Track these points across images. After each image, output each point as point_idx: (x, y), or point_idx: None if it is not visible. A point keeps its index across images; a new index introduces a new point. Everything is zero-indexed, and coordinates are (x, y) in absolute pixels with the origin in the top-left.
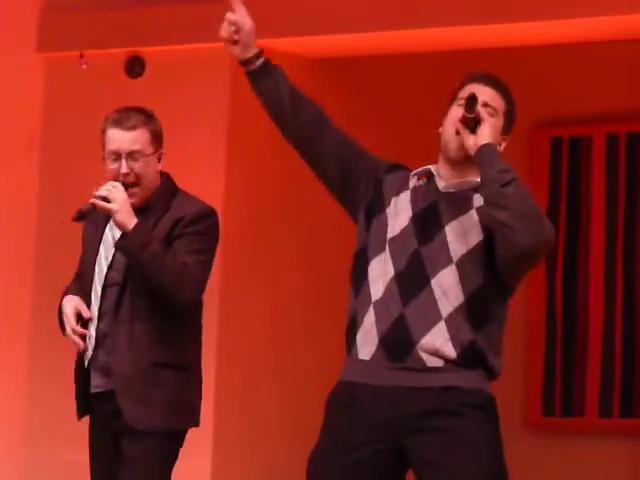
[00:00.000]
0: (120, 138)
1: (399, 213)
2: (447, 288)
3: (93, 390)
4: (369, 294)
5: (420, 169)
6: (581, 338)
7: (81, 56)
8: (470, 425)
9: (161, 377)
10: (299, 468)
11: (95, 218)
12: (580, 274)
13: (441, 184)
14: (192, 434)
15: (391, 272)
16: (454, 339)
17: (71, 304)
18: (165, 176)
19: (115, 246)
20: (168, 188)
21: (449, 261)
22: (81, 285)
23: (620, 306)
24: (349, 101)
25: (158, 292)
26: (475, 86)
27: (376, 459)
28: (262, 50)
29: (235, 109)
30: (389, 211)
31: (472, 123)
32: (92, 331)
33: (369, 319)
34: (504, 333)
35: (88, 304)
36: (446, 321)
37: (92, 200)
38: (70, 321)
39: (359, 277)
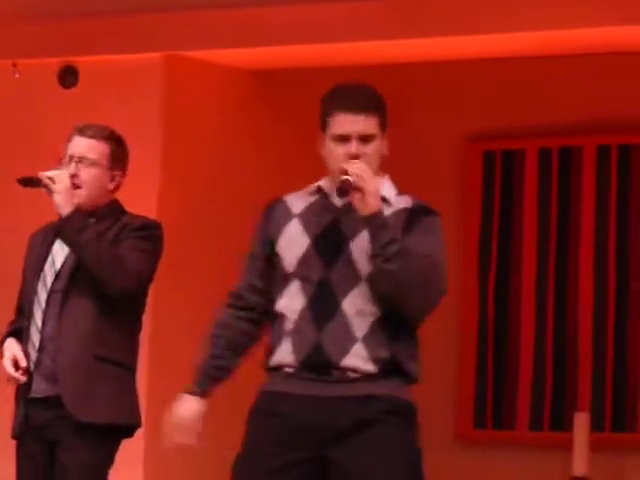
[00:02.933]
0: (77, 143)
1: (293, 244)
2: (360, 307)
3: (33, 395)
4: (283, 325)
5: (311, 187)
6: (513, 351)
7: (14, 65)
8: (388, 432)
9: (104, 372)
10: None
11: (41, 239)
12: (512, 287)
13: (337, 200)
14: (124, 444)
15: (302, 302)
16: (373, 357)
17: (8, 352)
18: (115, 200)
19: (55, 231)
20: (118, 206)
21: (358, 280)
22: (21, 320)
23: (552, 319)
24: (282, 112)
25: (95, 276)
26: (344, 117)
27: (298, 466)
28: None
29: (168, 119)
30: (281, 246)
31: (341, 188)
32: (35, 336)
33: (287, 349)
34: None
35: (32, 312)
36: (363, 341)
37: (40, 174)
38: (9, 370)
39: (273, 314)
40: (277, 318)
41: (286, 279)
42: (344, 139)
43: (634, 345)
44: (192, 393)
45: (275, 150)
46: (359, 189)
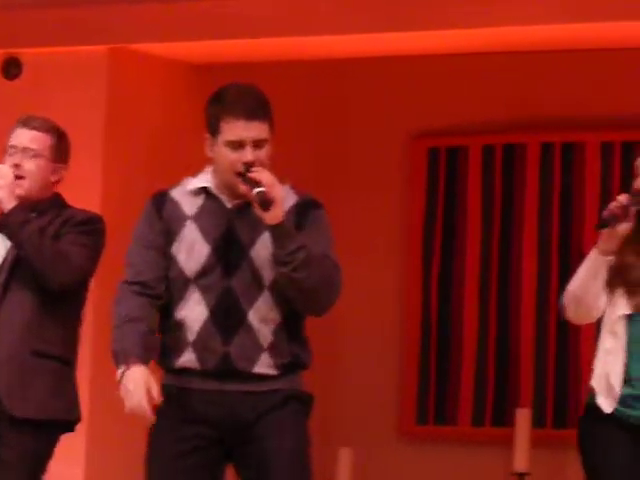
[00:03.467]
0: (21, 134)
1: (191, 250)
2: (265, 315)
3: None
4: (184, 334)
5: (190, 185)
6: (455, 347)
7: None
8: (286, 413)
9: (42, 367)
10: None
11: None
12: (455, 284)
13: (228, 202)
14: (65, 439)
15: (204, 313)
16: (277, 363)
17: None
18: (57, 193)
19: None
20: (60, 200)
21: (261, 288)
22: None
23: (494, 317)
24: None
25: (36, 271)
26: (237, 123)
27: (200, 452)
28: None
29: (112, 112)
30: (178, 249)
31: (262, 202)
32: None
33: (191, 358)
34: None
35: None
36: (268, 350)
37: None
38: None
39: (169, 318)
40: (176, 325)
41: (185, 285)
42: (238, 145)
43: (575, 341)
44: (137, 363)
45: None
46: (272, 200)
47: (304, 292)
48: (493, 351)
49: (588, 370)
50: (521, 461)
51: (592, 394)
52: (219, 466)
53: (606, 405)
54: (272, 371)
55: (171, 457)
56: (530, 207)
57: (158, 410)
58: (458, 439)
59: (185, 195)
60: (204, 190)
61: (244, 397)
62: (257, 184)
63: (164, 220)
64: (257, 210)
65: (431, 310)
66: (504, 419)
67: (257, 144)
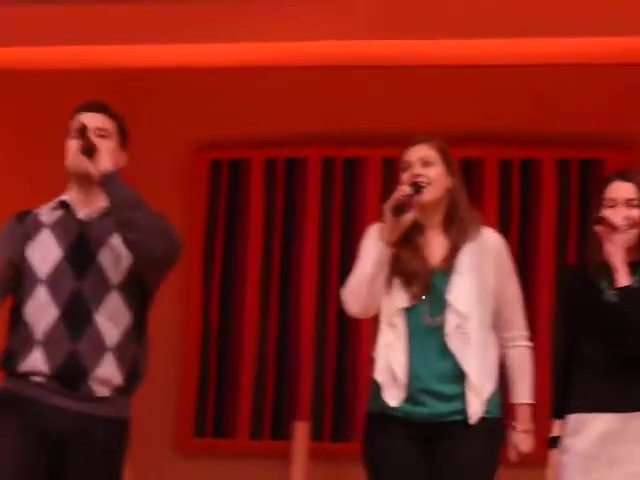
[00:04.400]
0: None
1: (45, 253)
2: (113, 315)
3: None
4: (30, 333)
5: (52, 203)
6: (235, 360)
7: None
8: (106, 444)
9: None
10: None
11: None
12: (236, 296)
13: (81, 213)
14: None
15: (54, 312)
16: (121, 367)
17: None
18: None
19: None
20: None
21: (109, 289)
22: None
23: (274, 329)
24: (31, 113)
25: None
26: (84, 115)
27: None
28: None
29: None
30: (30, 254)
31: (88, 151)
32: None
33: (38, 357)
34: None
35: None
36: (114, 351)
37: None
38: None
39: (17, 319)
40: (22, 324)
41: (34, 285)
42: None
43: (353, 357)
44: None
45: (24, 151)
46: (94, 148)
47: (143, 232)
48: (272, 363)
49: (367, 384)
50: (298, 474)
51: (374, 397)
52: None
53: (392, 397)
54: (116, 376)
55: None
56: (311, 221)
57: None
58: (236, 452)
59: (47, 209)
60: (63, 203)
61: (81, 418)
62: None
63: (24, 225)
64: (88, 165)
65: (211, 320)
66: (283, 432)
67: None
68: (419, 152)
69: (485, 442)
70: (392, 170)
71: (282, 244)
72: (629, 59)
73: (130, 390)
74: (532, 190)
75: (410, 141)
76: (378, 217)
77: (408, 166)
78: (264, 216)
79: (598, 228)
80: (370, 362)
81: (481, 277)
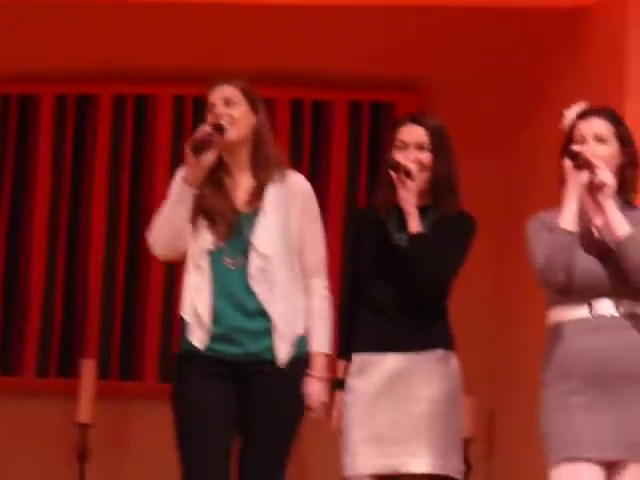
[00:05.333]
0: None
1: None
2: None
3: None
4: None
5: None
6: (21, 295)
7: None
8: None
9: None
10: None
11: None
12: (24, 231)
13: None
14: None
15: None
16: None
17: None
18: None
19: None
20: None
21: None
22: None
23: (62, 264)
24: None
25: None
26: None
27: None
28: None
29: None
30: None
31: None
32: None
33: None
34: None
35: None
36: None
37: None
38: None
39: None
40: None
41: None
42: None
43: (142, 295)
44: None
45: None
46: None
47: None
48: (60, 301)
49: (155, 324)
50: (85, 412)
51: (183, 338)
52: None
53: (197, 339)
54: None
55: None
56: (101, 159)
57: None
58: (22, 390)
59: None
60: None
61: None
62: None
63: None
64: None
65: None
66: (69, 370)
67: None
68: (221, 92)
69: (295, 380)
70: (183, 108)
71: (71, 183)
72: (419, 2)
73: None
74: (323, 131)
75: (212, 82)
76: (169, 156)
77: (212, 107)
78: (53, 155)
79: (392, 172)
80: (158, 303)
81: (286, 220)
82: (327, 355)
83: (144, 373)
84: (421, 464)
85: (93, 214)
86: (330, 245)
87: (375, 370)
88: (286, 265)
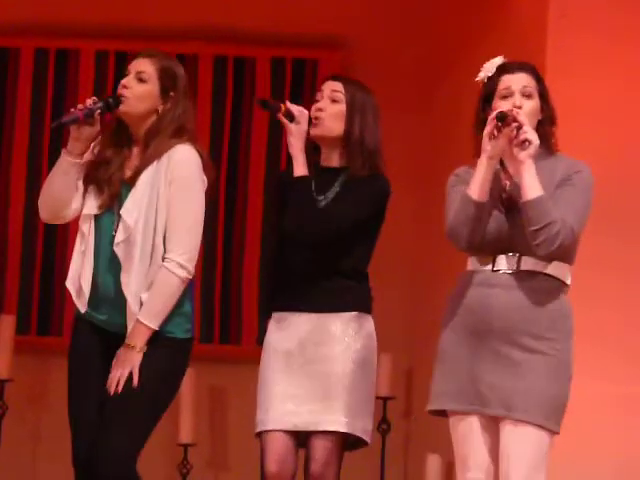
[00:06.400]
0: None
1: None
2: None
3: None
4: None
5: None
6: None
7: None
8: None
9: None
10: None
11: None
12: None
13: None
14: None
15: None
16: None
17: None
18: None
19: None
20: None
21: None
22: None
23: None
24: None
25: None
26: None
27: None
28: None
29: None
30: None
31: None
32: None
33: None
34: None
35: None
36: None
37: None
38: None
39: None
40: None
41: None
42: None
43: (62, 251)
44: None
45: None
46: None
47: None
48: None
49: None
50: (4, 367)
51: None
52: None
53: (79, 305)
54: None
55: None
56: (21, 110)
57: None
58: None
59: None
60: None
61: None
62: None
63: None
64: None
65: None
66: None
67: None
68: (138, 65)
69: (158, 355)
70: (106, 63)
71: None
72: None
73: None
74: (246, 88)
75: (140, 51)
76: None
77: (125, 75)
78: None
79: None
80: None
81: (156, 192)
82: (148, 328)
83: (63, 329)
84: (331, 422)
85: (13, 168)
86: (251, 206)
87: (289, 329)
88: (150, 238)
